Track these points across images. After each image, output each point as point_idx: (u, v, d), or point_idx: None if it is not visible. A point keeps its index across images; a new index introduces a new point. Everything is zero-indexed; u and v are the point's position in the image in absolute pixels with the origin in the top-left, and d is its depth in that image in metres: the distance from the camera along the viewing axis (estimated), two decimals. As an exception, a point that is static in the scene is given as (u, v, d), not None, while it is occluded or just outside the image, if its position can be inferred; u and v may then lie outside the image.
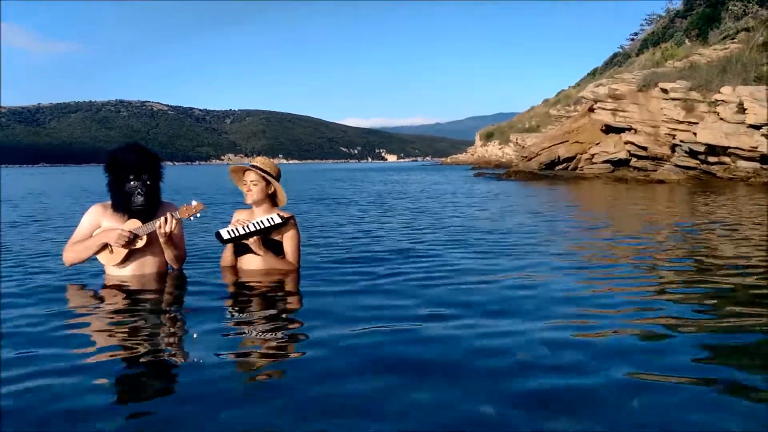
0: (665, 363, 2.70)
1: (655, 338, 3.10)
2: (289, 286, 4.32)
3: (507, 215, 9.88)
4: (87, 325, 3.49)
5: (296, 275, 4.53)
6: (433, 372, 2.65)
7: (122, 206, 4.28)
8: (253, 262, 4.52)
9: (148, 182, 4.29)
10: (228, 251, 4.64)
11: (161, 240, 4.31)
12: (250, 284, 4.31)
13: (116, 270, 4.39)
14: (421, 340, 3.10)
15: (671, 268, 5.07)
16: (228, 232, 4.37)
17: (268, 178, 4.51)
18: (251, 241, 4.36)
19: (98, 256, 4.37)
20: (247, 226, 4.33)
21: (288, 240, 4.56)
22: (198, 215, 4.31)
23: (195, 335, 3.28)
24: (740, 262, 5.16)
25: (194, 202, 4.31)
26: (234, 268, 4.64)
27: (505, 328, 3.28)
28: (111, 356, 2.92)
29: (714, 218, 8.64)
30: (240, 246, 4.49)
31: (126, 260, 4.34)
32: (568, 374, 2.57)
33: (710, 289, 4.18)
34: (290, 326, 3.45)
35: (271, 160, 4.74)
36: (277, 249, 4.51)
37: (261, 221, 4.34)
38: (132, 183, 4.24)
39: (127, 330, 3.38)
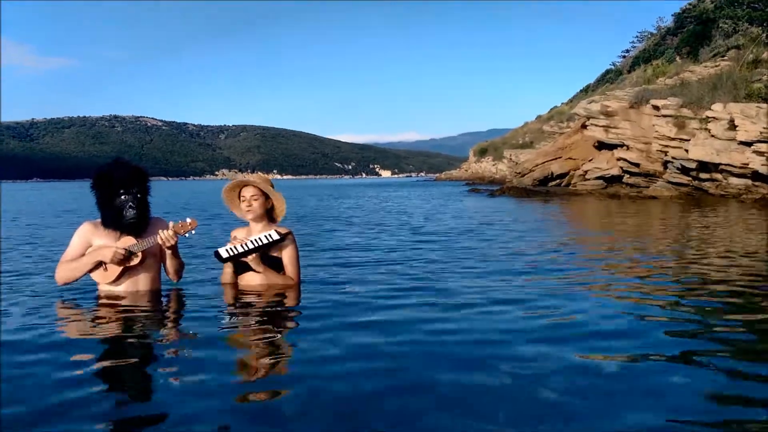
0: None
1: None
2: (289, 302, 4.33)
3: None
4: (80, 336, 3.52)
5: (297, 290, 4.54)
6: (428, 386, 2.67)
7: (114, 221, 4.27)
8: (253, 280, 4.52)
9: (138, 195, 4.30)
10: (228, 269, 4.62)
11: (168, 252, 4.35)
12: (249, 300, 4.33)
13: (109, 287, 4.38)
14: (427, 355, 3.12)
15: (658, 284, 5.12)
16: (227, 250, 4.37)
17: (267, 191, 4.52)
18: (250, 259, 4.37)
19: (91, 274, 4.37)
20: (245, 244, 4.34)
21: (287, 256, 4.57)
22: (193, 232, 4.33)
23: (192, 333, 3.40)
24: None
25: (189, 219, 4.33)
26: (234, 285, 4.63)
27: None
28: (103, 362, 2.95)
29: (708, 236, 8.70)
30: (240, 264, 4.50)
31: (119, 278, 4.34)
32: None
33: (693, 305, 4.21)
34: (289, 342, 3.46)
35: (266, 175, 4.77)
36: (276, 265, 4.52)
37: (259, 238, 4.34)
38: (123, 197, 4.24)
39: (121, 337, 3.41)
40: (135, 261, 4.30)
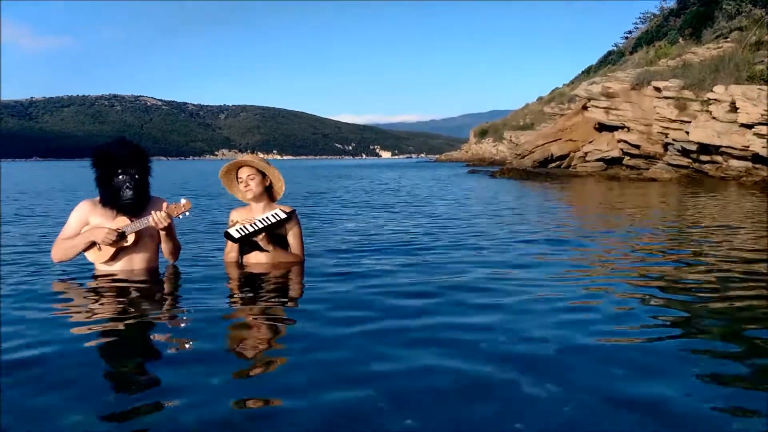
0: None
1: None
2: (292, 282, 4.36)
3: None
4: (76, 316, 3.51)
5: (302, 269, 4.60)
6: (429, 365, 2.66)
7: (111, 201, 4.25)
8: (260, 258, 4.56)
9: (136, 176, 4.27)
10: (233, 249, 4.63)
11: (162, 233, 4.34)
12: (252, 278, 4.35)
13: (105, 267, 4.38)
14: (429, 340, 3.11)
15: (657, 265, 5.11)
16: (237, 231, 4.38)
17: (263, 168, 4.52)
18: (260, 238, 4.40)
19: (86, 254, 4.36)
20: (254, 224, 4.37)
21: (292, 233, 4.64)
22: (187, 213, 4.29)
23: (188, 309, 3.38)
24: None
25: (183, 200, 4.29)
26: (237, 264, 4.65)
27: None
28: (98, 339, 2.95)
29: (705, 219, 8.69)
30: (247, 243, 4.50)
31: (114, 257, 4.33)
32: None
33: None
34: (291, 318, 3.49)
35: (262, 156, 4.76)
36: (280, 243, 4.57)
37: (267, 218, 4.38)
38: (120, 177, 4.21)
39: (116, 316, 3.40)
40: (127, 242, 4.28)
